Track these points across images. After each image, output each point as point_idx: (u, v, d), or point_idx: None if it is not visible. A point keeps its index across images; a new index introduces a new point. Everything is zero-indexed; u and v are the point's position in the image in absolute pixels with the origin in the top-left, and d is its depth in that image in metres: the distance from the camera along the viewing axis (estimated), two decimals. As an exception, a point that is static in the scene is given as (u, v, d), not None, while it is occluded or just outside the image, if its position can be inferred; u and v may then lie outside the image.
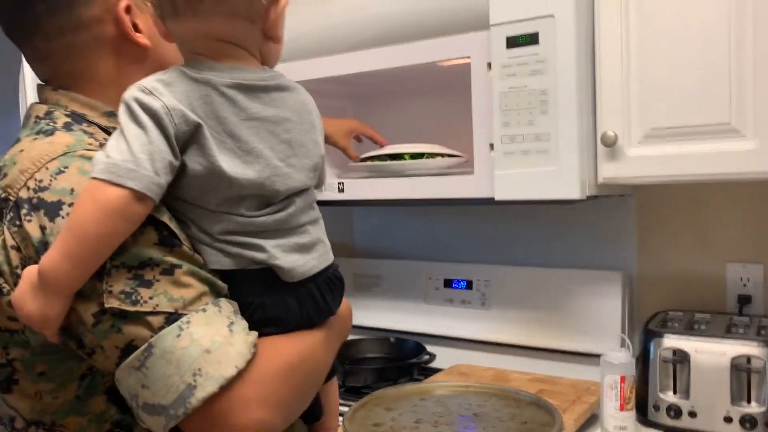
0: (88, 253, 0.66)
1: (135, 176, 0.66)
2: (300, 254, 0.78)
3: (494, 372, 1.45)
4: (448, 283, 1.65)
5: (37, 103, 0.82)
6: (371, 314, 1.74)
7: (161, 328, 0.67)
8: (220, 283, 0.73)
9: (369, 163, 1.48)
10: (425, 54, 1.33)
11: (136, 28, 0.81)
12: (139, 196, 0.66)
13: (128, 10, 0.79)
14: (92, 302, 0.67)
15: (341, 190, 1.47)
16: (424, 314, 1.67)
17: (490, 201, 1.26)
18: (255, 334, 0.71)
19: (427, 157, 1.44)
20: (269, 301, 0.76)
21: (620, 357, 1.20)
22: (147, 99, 0.68)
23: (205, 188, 0.72)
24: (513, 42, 1.20)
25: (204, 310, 0.69)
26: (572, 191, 1.17)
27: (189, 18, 0.73)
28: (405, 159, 1.44)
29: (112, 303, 0.67)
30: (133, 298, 0.67)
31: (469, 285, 1.61)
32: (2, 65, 1.84)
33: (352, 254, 1.88)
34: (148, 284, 0.68)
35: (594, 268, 1.50)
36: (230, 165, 0.71)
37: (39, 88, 0.84)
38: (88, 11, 0.79)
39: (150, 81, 0.70)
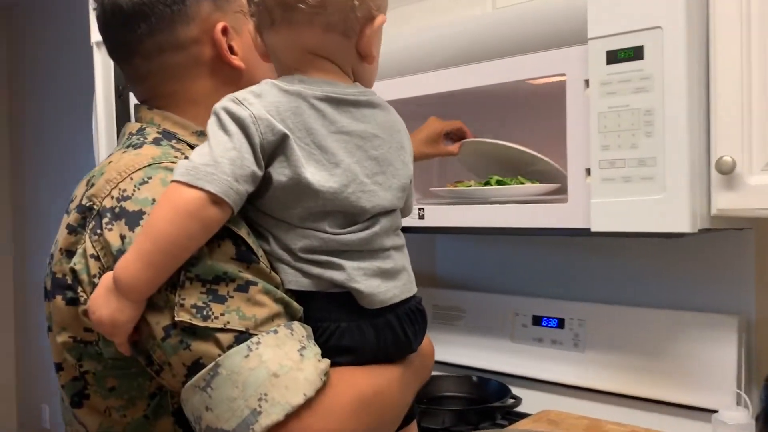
0: (160, 255, 0.64)
1: (213, 179, 0.64)
2: (382, 280, 0.73)
3: (588, 421, 1.31)
4: (537, 321, 1.52)
5: (131, 122, 0.85)
6: (452, 349, 1.63)
7: (230, 346, 0.63)
8: (295, 304, 0.69)
9: (452, 188, 1.39)
10: (515, 71, 1.23)
11: (232, 50, 0.82)
12: (215, 199, 0.64)
13: (225, 31, 0.81)
14: (164, 315, 0.65)
15: (421, 217, 1.39)
16: (510, 353, 1.54)
17: (585, 232, 1.14)
18: (327, 362, 0.67)
19: (515, 183, 1.33)
20: (345, 328, 0.71)
21: (736, 417, 1.04)
22: (236, 108, 0.67)
23: (290, 200, 0.69)
24: (614, 57, 1.08)
25: (275, 332, 0.65)
26: (681, 223, 1.03)
27: (284, 28, 0.73)
28: (491, 184, 1.34)
29: (183, 316, 0.64)
30: (204, 313, 0.64)
31: (561, 324, 1.48)
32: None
33: (433, 284, 1.78)
34: (222, 300, 0.65)
35: (705, 310, 1.33)
36: (316, 176, 0.68)
37: (136, 107, 0.86)
38: (187, 32, 0.80)
39: (242, 92, 0.69)
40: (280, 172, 0.69)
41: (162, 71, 0.81)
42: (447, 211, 1.36)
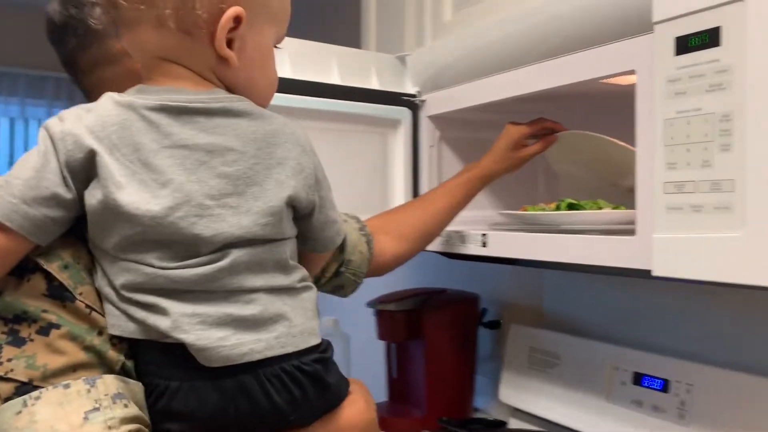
0: None
1: None
2: (232, 330, 0.60)
3: None
4: (637, 379, 1.22)
5: None
6: (539, 400, 1.39)
7: (8, 398, 0.56)
8: (112, 354, 0.59)
9: (520, 212, 1.17)
10: (575, 70, 1.00)
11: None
12: None
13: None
14: None
15: (484, 245, 1.19)
16: (604, 414, 1.26)
17: (648, 274, 0.87)
18: (128, 428, 0.55)
19: (592, 207, 1.08)
20: (176, 388, 0.60)
21: None
22: (52, 124, 0.60)
23: (106, 227, 0.60)
24: (684, 45, 0.81)
25: (66, 387, 0.56)
26: (766, 273, 0.74)
27: (124, 31, 0.65)
28: (561, 208, 1.11)
29: None
30: None
31: (666, 386, 1.17)
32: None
33: (538, 323, 1.54)
34: (20, 342, 0.58)
35: None
36: (133, 197, 0.58)
37: None
38: (117, 44, 0.74)
39: (74, 107, 0.62)
40: (91, 195, 0.60)
41: (99, 85, 0.77)
42: (512, 238, 1.15)
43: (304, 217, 0.68)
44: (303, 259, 0.72)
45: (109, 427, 0.55)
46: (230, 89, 0.67)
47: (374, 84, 1.29)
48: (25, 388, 0.56)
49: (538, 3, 1.08)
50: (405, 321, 1.51)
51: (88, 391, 0.57)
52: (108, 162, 0.60)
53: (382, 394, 1.64)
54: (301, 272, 0.68)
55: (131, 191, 0.59)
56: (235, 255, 0.61)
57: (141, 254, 0.60)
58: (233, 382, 0.60)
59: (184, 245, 0.60)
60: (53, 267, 0.61)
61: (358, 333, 1.90)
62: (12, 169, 0.60)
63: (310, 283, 0.69)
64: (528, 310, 1.57)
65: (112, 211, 0.60)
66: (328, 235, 0.71)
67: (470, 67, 1.24)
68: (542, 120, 1.22)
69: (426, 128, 1.34)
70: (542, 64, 1.07)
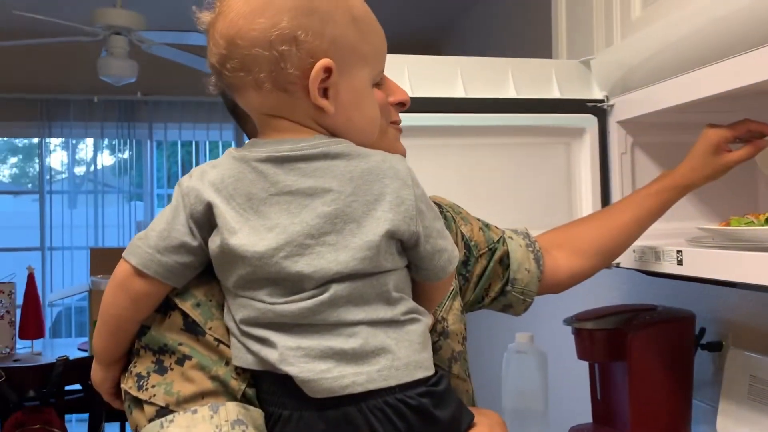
0: (102, 323, 0.70)
1: (137, 252, 0.67)
2: (335, 363, 0.62)
3: None
4: None
5: None
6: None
7: (151, 420, 0.65)
8: (235, 384, 0.66)
9: (721, 227, 1.04)
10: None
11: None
12: (138, 271, 0.67)
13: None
14: (125, 379, 0.70)
15: (680, 262, 1.07)
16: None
17: None
18: None
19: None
20: (287, 417, 0.65)
21: None
22: (183, 180, 0.69)
23: (225, 268, 0.67)
24: None
25: (194, 412, 0.64)
26: None
27: (234, 95, 0.71)
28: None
29: (126, 383, 0.68)
30: (141, 383, 0.67)
31: None
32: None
33: (766, 348, 1.34)
34: (163, 371, 0.67)
35: None
36: (242, 240, 0.64)
37: None
38: None
39: (204, 164, 0.71)
40: (213, 241, 0.66)
41: (254, 132, 0.82)
42: (712, 257, 1.02)
43: (410, 248, 0.69)
44: (421, 289, 0.73)
45: None
46: (332, 133, 0.70)
47: (554, 93, 1.23)
48: (163, 411, 0.64)
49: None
50: (606, 340, 1.42)
51: (212, 417, 0.63)
52: (224, 211, 0.65)
53: (587, 416, 1.55)
54: (407, 304, 0.68)
55: (242, 236, 0.64)
56: (335, 289, 0.64)
57: (254, 291, 0.65)
58: (337, 413, 0.62)
59: (290, 282, 0.64)
60: (186, 305, 0.69)
61: (558, 350, 1.83)
62: (152, 222, 0.69)
63: (417, 316, 0.68)
64: (755, 333, 1.38)
65: (228, 254, 0.65)
66: (438, 264, 0.70)
67: (662, 65, 1.13)
68: (747, 122, 1.07)
69: (616, 134, 1.25)
70: (743, 56, 0.94)
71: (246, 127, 0.84)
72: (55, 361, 2.72)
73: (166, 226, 0.67)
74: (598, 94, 1.27)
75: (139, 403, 0.66)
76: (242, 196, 0.66)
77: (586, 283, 1.67)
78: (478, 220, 1.06)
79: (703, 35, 1.02)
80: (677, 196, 1.10)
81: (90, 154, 4.63)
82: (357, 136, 0.70)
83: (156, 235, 0.67)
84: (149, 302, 0.69)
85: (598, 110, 1.25)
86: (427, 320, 0.70)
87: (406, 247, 0.69)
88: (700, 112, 1.16)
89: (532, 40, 1.71)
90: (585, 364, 1.53)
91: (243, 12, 0.65)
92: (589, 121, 1.24)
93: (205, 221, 0.67)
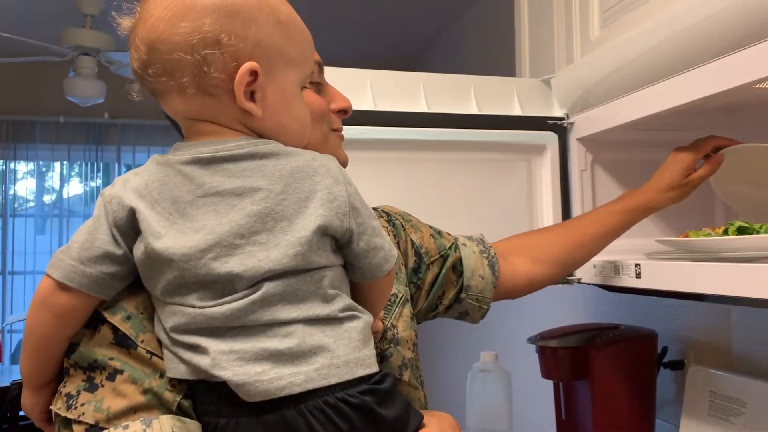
0: (27, 345, 0.67)
1: (59, 265, 0.65)
2: (271, 364, 0.60)
3: None
4: (841, 436, 1.02)
5: None
6: (722, 455, 1.21)
7: None
8: (169, 396, 0.64)
9: (680, 239, 1.05)
10: (732, 74, 0.88)
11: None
12: (61, 285, 0.64)
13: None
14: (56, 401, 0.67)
15: (638, 276, 1.08)
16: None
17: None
18: None
19: (764, 231, 0.94)
20: (223, 425, 0.62)
21: None
22: (105, 189, 0.67)
23: (152, 274, 0.65)
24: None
25: (125, 427, 0.61)
26: None
27: (158, 100, 0.69)
28: (729, 233, 0.98)
29: (55, 405, 0.65)
30: (70, 402, 0.64)
31: None
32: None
33: (725, 365, 1.35)
34: (94, 388, 0.64)
35: None
36: (168, 243, 0.62)
37: None
38: None
39: (127, 172, 0.69)
40: (137, 248, 0.65)
41: None
42: (669, 269, 1.03)
43: (344, 246, 0.67)
44: (360, 291, 0.72)
45: None
46: (261, 137, 0.69)
47: (516, 110, 1.25)
48: (93, 429, 0.62)
49: (686, 5, 0.98)
50: (569, 359, 1.41)
51: (144, 431, 0.61)
52: (147, 216, 0.64)
53: (552, 436, 1.54)
54: (344, 301, 0.66)
55: (168, 239, 0.63)
56: (267, 287, 0.62)
57: (183, 296, 0.63)
58: (276, 416, 0.60)
59: (220, 284, 0.62)
60: (116, 319, 0.66)
61: (523, 369, 1.82)
62: (74, 234, 0.67)
63: (356, 313, 0.67)
64: (714, 351, 1.39)
65: (154, 259, 0.63)
66: (374, 262, 0.69)
67: (619, 82, 1.15)
68: (712, 138, 1.09)
69: (576, 152, 1.27)
70: (690, 73, 0.96)
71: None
72: (9, 385, 2.64)
73: (88, 236, 0.65)
74: (558, 111, 1.28)
75: (68, 423, 0.63)
76: (167, 200, 0.64)
77: (550, 302, 1.68)
78: (430, 227, 1.05)
79: (657, 52, 1.04)
80: (640, 217, 1.12)
81: (58, 183, 4.55)
82: (288, 139, 0.69)
83: (78, 246, 0.65)
84: (76, 317, 0.66)
85: (559, 128, 1.27)
86: (367, 318, 0.68)
87: (340, 244, 0.67)
88: (657, 129, 1.19)
89: (504, 60, 1.73)
90: (550, 384, 1.52)
91: (163, 16, 0.64)
92: (550, 138, 1.26)
93: (129, 228, 0.65)
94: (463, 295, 1.03)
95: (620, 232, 1.12)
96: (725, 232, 0.99)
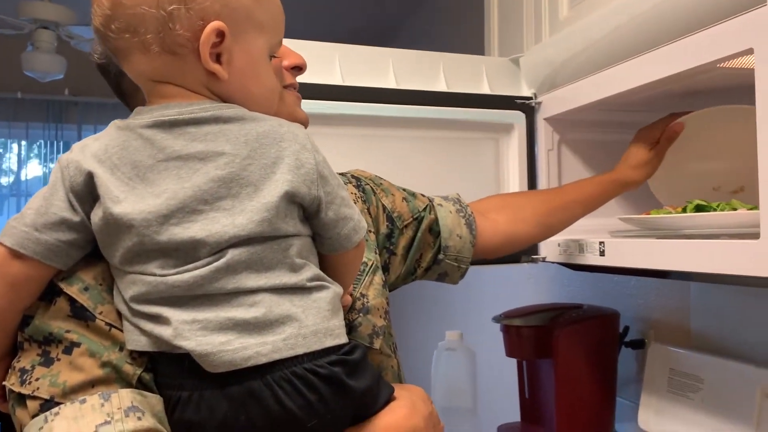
0: None
1: (12, 232, 0.62)
2: (236, 334, 0.59)
3: None
4: (793, 409, 1.05)
5: None
6: (679, 428, 1.24)
7: (35, 415, 0.59)
8: (129, 369, 0.61)
9: (641, 216, 1.07)
10: (690, 54, 0.89)
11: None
12: (14, 253, 0.61)
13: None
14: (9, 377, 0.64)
15: (602, 253, 1.09)
16: (753, 448, 1.10)
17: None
18: None
19: (726, 208, 0.96)
20: (186, 398, 0.60)
21: None
22: (63, 155, 0.65)
23: (110, 242, 0.62)
24: (802, 12, 0.69)
25: (82, 402, 0.59)
26: None
27: (121, 61, 0.67)
28: (688, 211, 0.99)
29: (9, 380, 0.62)
30: (24, 377, 0.61)
31: (827, 419, 1.00)
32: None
33: (684, 343, 1.38)
34: (50, 362, 0.61)
35: None
36: (128, 208, 0.60)
37: None
38: None
39: (86, 138, 0.67)
40: (95, 214, 0.62)
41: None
42: (632, 246, 1.05)
43: (312, 215, 0.66)
44: (329, 264, 0.70)
45: None
46: (227, 101, 0.67)
47: (485, 89, 1.25)
48: (48, 404, 0.59)
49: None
50: (533, 337, 1.43)
51: (102, 405, 0.59)
52: (106, 180, 0.61)
53: (516, 414, 1.56)
54: (312, 270, 0.65)
55: (127, 204, 0.61)
56: (232, 254, 0.60)
57: (144, 264, 0.61)
58: (241, 388, 0.59)
59: (182, 251, 0.60)
60: (73, 290, 0.64)
61: (488, 348, 1.84)
62: (28, 201, 0.64)
63: (325, 283, 0.66)
64: (674, 329, 1.42)
65: (112, 225, 0.61)
66: (342, 233, 0.68)
67: (586, 62, 1.16)
68: (672, 115, 1.12)
69: (543, 131, 1.27)
70: (655, 52, 0.97)
71: (133, 102, 0.80)
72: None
73: (44, 202, 0.63)
74: (526, 91, 1.29)
75: (22, 399, 0.61)
76: (127, 165, 0.62)
77: (515, 281, 1.69)
78: (404, 190, 1.04)
79: (622, 32, 1.05)
80: (618, 190, 1.15)
81: (15, 164, 4.42)
82: (254, 107, 0.67)
83: (33, 212, 0.62)
84: (30, 288, 0.63)
85: (526, 107, 1.27)
86: (336, 289, 0.67)
87: (308, 214, 0.66)
88: (623, 111, 1.20)
89: (475, 38, 1.73)
90: (514, 362, 1.54)
91: None
92: (518, 117, 1.26)
93: (87, 193, 0.63)
94: (441, 256, 1.02)
95: (599, 202, 1.14)
96: (684, 210, 1.01)
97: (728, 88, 1.05)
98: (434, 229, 1.02)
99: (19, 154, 4.36)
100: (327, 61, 1.13)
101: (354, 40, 1.17)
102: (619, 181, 1.13)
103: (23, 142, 4.32)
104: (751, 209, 0.95)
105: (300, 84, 0.86)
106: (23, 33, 3.03)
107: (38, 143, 4.35)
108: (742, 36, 0.81)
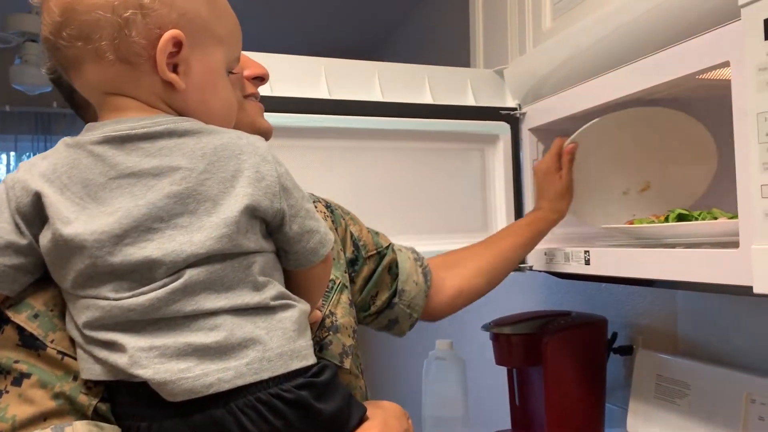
0: None
1: None
2: (196, 360, 0.56)
3: None
4: (778, 414, 1.06)
5: None
6: (668, 436, 1.25)
7: None
8: (84, 399, 0.58)
9: (624, 225, 1.08)
10: (668, 67, 0.90)
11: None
12: None
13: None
14: None
15: (587, 262, 1.11)
16: (739, 454, 1.11)
17: (750, 291, 0.76)
18: None
19: (707, 217, 0.97)
20: (146, 428, 0.57)
21: None
22: (9, 175, 0.62)
23: (60, 264, 0.59)
24: (775, 27, 0.71)
25: None
26: None
27: (71, 74, 0.64)
28: (670, 220, 1.01)
29: None
30: None
31: (811, 423, 1.01)
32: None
33: (671, 350, 1.40)
34: None
35: None
36: (79, 229, 0.57)
37: None
38: None
39: (34, 157, 0.63)
40: (44, 236, 0.59)
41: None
42: (616, 255, 1.06)
43: (276, 230, 0.63)
44: (296, 281, 0.68)
45: None
46: (183, 115, 0.64)
47: (470, 100, 1.26)
48: None
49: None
50: (522, 345, 1.44)
51: None
52: (55, 201, 0.59)
53: (506, 422, 1.57)
54: (276, 288, 0.62)
55: (78, 225, 0.58)
56: (190, 274, 0.57)
57: (97, 288, 0.58)
58: (203, 417, 0.56)
59: (137, 273, 0.57)
60: (21, 318, 0.61)
61: (478, 357, 1.85)
62: None
63: (290, 302, 0.63)
64: (661, 335, 1.43)
65: (62, 247, 0.58)
66: (308, 247, 0.64)
67: (570, 73, 1.17)
68: (559, 138, 1.18)
69: (528, 142, 1.29)
70: (636, 64, 0.98)
71: (87, 116, 0.77)
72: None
73: None
74: (511, 102, 1.30)
75: None
76: (78, 184, 0.59)
77: (504, 290, 1.69)
78: (367, 227, 1.03)
79: (606, 43, 1.06)
80: (548, 226, 1.19)
81: (4, 175, 4.40)
82: (212, 120, 0.65)
83: None
84: None
85: (511, 118, 1.28)
86: (302, 307, 0.64)
87: (271, 228, 0.63)
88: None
89: (460, 50, 1.75)
90: (504, 370, 1.55)
91: None
92: (503, 128, 1.28)
93: (34, 215, 0.60)
94: (396, 300, 1.01)
95: (534, 242, 1.19)
96: (666, 219, 1.03)
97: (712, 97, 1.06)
98: (393, 271, 1.01)
99: (8, 165, 4.35)
100: (313, 75, 1.14)
101: (340, 56, 1.18)
102: (547, 218, 1.17)
103: (12, 153, 4.31)
104: (731, 218, 0.97)
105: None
106: (11, 46, 3.03)
107: (27, 155, 4.34)
108: (719, 49, 0.82)
